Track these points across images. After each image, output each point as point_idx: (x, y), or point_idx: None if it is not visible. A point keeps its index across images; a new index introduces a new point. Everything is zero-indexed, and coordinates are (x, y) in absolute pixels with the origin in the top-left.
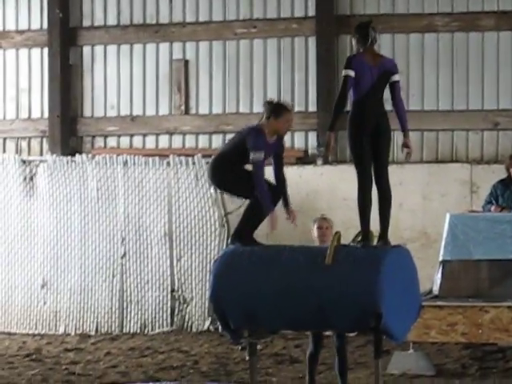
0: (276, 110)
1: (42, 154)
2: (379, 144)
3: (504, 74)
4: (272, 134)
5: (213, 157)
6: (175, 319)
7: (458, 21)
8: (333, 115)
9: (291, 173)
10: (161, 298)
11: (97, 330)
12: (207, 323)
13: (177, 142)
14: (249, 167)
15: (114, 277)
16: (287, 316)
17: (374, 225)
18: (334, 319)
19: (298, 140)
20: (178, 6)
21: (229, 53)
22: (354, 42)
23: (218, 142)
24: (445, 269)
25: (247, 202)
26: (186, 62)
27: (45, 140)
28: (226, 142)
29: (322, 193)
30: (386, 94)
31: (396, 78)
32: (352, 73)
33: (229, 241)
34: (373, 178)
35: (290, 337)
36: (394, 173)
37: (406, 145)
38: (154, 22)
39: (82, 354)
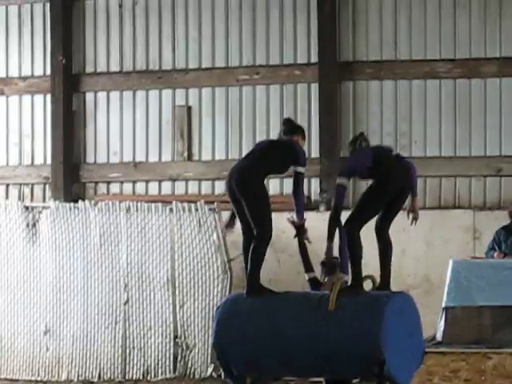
0: (304, 133)
1: (44, 201)
2: (399, 199)
3: (506, 120)
4: None
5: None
6: (178, 366)
7: (460, 67)
8: (331, 228)
9: None
10: (163, 344)
11: (99, 377)
12: (210, 370)
13: (180, 188)
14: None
15: (116, 323)
16: (290, 363)
17: (376, 272)
18: (337, 365)
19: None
20: (181, 52)
21: (231, 99)
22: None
23: (220, 188)
24: (448, 315)
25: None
26: (189, 109)
27: (48, 186)
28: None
29: (325, 239)
30: None
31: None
32: (346, 181)
33: (245, 295)
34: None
35: (293, 383)
36: (397, 219)
37: (413, 210)
38: (156, 68)
39: None
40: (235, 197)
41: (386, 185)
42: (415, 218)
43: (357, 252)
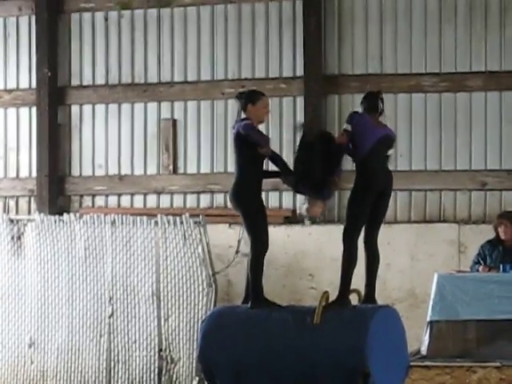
0: (251, 96)
1: (29, 213)
2: (381, 205)
3: (492, 134)
4: (254, 122)
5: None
6: (163, 379)
7: (445, 81)
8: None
9: (279, 233)
10: (148, 357)
11: None
12: (195, 383)
13: (165, 201)
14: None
15: (101, 336)
16: (275, 376)
17: (360, 284)
18: (323, 379)
19: (285, 200)
20: (167, 65)
21: (217, 112)
22: (360, 110)
23: (205, 201)
24: (433, 329)
25: (234, 261)
26: (174, 122)
27: (33, 199)
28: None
29: (309, 253)
30: None
31: (390, 152)
32: (349, 127)
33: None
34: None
35: None
36: (382, 233)
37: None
38: (142, 81)
39: None
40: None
41: (370, 184)
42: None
43: (351, 264)
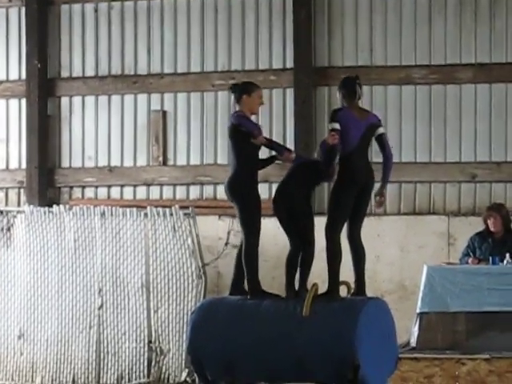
0: (246, 87)
1: (19, 205)
2: (363, 199)
3: (481, 126)
4: (248, 113)
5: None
6: (152, 371)
7: (435, 73)
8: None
9: (269, 224)
10: (138, 349)
11: (73, 381)
12: (184, 375)
13: (154, 193)
14: None
15: (90, 328)
16: (265, 368)
17: (349, 277)
18: (312, 371)
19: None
20: (156, 57)
21: (207, 104)
22: (339, 97)
23: (195, 193)
24: (422, 321)
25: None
26: (164, 113)
27: (22, 191)
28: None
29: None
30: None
31: (381, 130)
32: (338, 125)
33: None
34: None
35: None
36: (372, 225)
37: (381, 194)
38: (132, 73)
39: None
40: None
41: (353, 179)
42: (380, 203)
43: (336, 258)
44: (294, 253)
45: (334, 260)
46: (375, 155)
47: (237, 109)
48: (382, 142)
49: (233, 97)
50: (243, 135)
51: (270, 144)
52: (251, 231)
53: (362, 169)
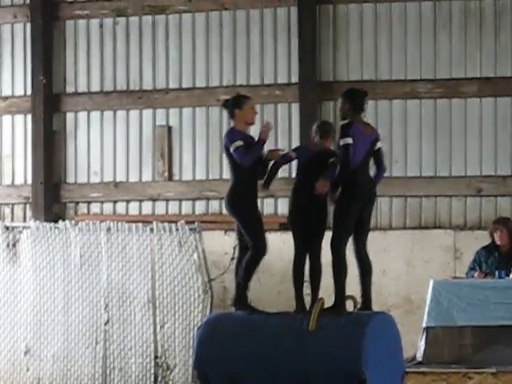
0: (236, 101)
1: (25, 221)
2: (367, 213)
3: (487, 140)
4: (243, 126)
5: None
6: None
7: (440, 87)
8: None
9: (274, 239)
10: (144, 364)
11: None
12: None
13: (160, 208)
14: None
15: (97, 343)
16: (271, 382)
17: (355, 291)
18: None
19: (281, 206)
20: (162, 72)
21: (212, 119)
22: (343, 107)
23: (201, 208)
24: (428, 335)
25: (230, 268)
26: (170, 129)
27: (28, 206)
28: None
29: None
30: None
31: (379, 144)
32: (351, 140)
33: (232, 308)
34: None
35: None
36: (378, 239)
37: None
38: (137, 88)
39: None
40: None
41: (357, 195)
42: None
43: (342, 272)
44: (300, 263)
45: (340, 274)
46: None
47: (231, 124)
48: (380, 156)
49: (227, 112)
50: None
51: (256, 157)
52: (256, 244)
53: (366, 184)
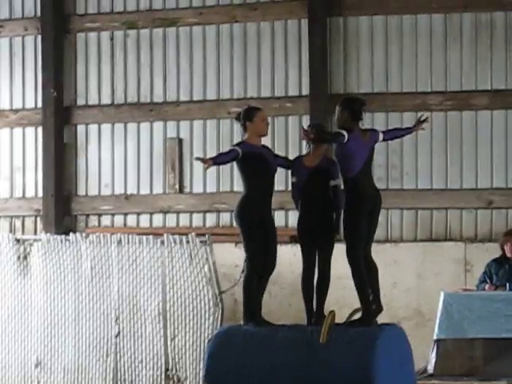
0: (247, 114)
1: (36, 233)
2: (372, 219)
3: (497, 152)
4: (255, 138)
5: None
6: None
7: (451, 100)
8: None
9: (285, 252)
10: (155, 377)
11: None
12: None
13: (171, 220)
14: None
15: (107, 356)
16: None
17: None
18: None
19: (291, 219)
20: (172, 85)
21: (223, 131)
22: (342, 116)
23: (212, 220)
24: (439, 347)
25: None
26: (180, 141)
27: (39, 219)
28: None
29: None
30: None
31: (380, 137)
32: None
33: (242, 322)
34: None
35: None
36: (389, 251)
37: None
38: (148, 100)
39: None
40: None
41: (361, 203)
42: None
43: (364, 283)
44: (309, 277)
45: (362, 285)
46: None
47: (244, 137)
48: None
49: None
50: (247, 163)
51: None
52: (249, 259)
53: (370, 190)
